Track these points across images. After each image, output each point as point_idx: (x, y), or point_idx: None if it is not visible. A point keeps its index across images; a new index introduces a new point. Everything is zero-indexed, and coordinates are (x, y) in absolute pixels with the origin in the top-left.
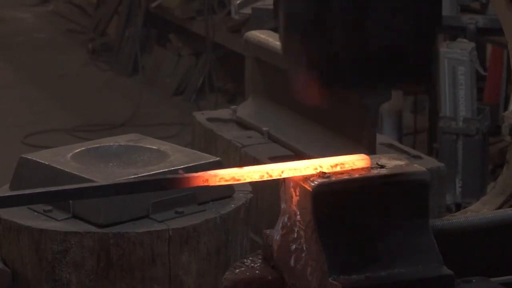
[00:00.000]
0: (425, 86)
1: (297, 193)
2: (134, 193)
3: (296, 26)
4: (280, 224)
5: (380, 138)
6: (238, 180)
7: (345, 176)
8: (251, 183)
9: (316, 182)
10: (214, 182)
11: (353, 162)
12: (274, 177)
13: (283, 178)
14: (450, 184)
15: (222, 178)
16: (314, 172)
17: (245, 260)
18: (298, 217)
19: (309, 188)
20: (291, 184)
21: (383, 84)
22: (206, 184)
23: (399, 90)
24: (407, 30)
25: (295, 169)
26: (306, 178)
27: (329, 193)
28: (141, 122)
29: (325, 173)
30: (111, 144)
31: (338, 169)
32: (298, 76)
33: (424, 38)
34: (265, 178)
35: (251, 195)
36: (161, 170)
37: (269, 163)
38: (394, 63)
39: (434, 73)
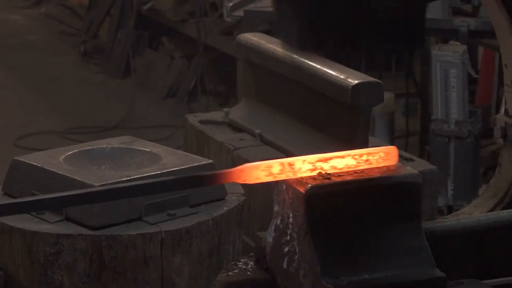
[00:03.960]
0: (416, 48)
1: (290, 196)
2: None
3: None
4: (273, 227)
5: (372, 141)
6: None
7: (338, 179)
8: (244, 185)
9: (309, 185)
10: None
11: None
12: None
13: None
14: (442, 186)
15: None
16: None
17: (237, 262)
18: (291, 219)
19: (302, 191)
20: (284, 186)
21: (376, 46)
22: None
23: (391, 52)
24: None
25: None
26: (299, 181)
27: (321, 196)
28: (133, 124)
29: (324, 174)
30: (104, 146)
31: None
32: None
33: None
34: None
35: (244, 197)
36: (154, 173)
37: None
38: (386, 27)
39: (424, 38)
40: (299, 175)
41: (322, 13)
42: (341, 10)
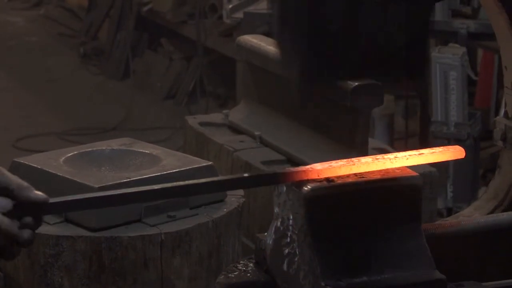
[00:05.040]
0: (417, 87)
1: (290, 198)
2: None
3: (290, 24)
4: (273, 229)
5: (372, 143)
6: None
7: (338, 181)
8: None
9: (309, 187)
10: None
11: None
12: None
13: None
14: (442, 188)
15: None
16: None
17: (237, 264)
18: (291, 221)
19: (302, 193)
20: (284, 188)
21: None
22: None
23: (391, 90)
24: (399, 31)
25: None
26: (300, 183)
27: (322, 198)
28: (132, 126)
29: (329, 177)
30: (104, 148)
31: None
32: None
33: (416, 40)
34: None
35: (243, 199)
36: (154, 174)
37: (262, 167)
38: (387, 63)
39: (426, 75)
40: (363, 171)
41: (322, 45)
42: (341, 41)
